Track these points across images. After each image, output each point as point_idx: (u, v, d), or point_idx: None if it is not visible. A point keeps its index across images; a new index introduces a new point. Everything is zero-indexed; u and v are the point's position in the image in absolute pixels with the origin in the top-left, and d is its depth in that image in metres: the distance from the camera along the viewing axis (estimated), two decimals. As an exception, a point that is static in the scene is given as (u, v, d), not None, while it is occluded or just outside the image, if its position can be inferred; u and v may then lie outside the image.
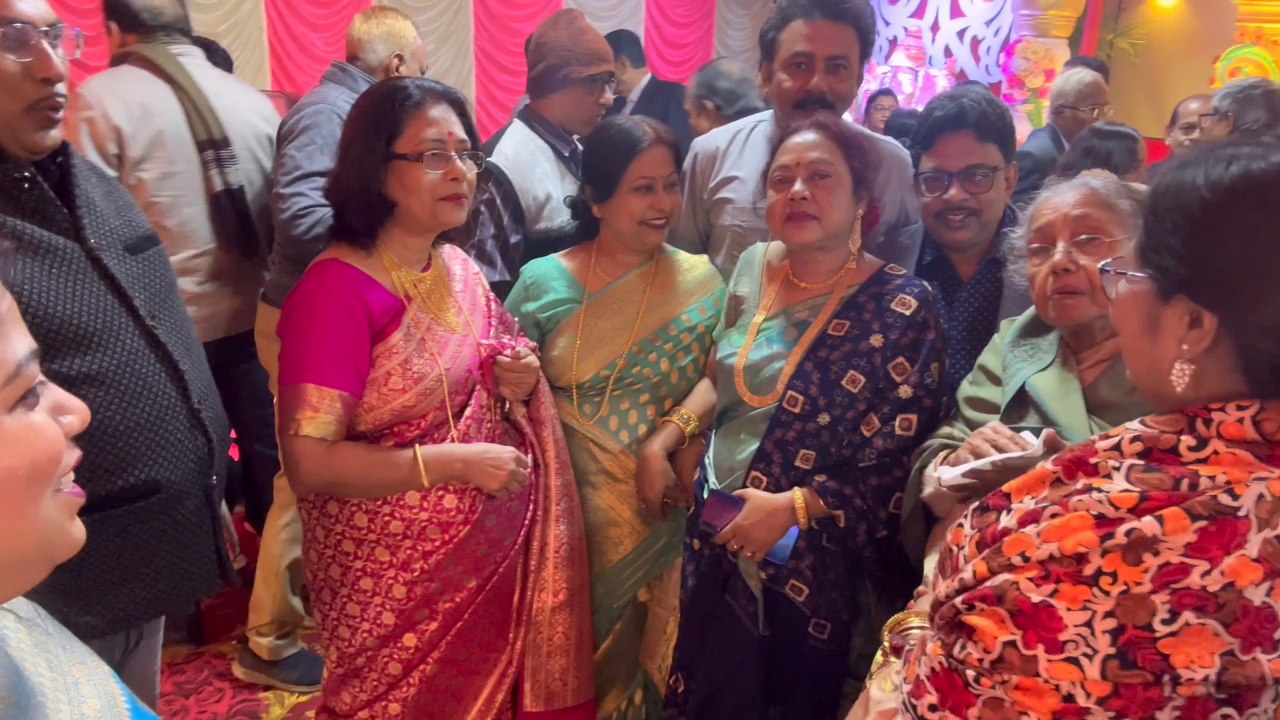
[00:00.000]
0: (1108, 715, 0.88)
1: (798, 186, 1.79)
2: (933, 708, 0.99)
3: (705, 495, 1.89)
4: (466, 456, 1.77)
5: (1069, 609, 0.90)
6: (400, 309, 1.74)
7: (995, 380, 1.73)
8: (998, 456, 1.43)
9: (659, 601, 2.18)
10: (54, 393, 0.68)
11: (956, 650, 0.98)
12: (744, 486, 1.85)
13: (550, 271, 2.17)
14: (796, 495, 1.81)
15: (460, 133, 1.74)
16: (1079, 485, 0.97)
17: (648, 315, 2.11)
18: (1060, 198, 1.60)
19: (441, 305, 1.82)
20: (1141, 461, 0.94)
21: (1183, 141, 4.08)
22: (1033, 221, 1.64)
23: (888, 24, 7.90)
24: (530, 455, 1.91)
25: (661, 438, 2.06)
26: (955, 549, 1.08)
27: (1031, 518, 0.97)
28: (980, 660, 0.95)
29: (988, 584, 0.97)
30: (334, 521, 1.77)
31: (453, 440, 1.79)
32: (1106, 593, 0.89)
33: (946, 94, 2.02)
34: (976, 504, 1.09)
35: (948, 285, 2.02)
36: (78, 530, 0.70)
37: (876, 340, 1.80)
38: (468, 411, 1.82)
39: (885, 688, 1.19)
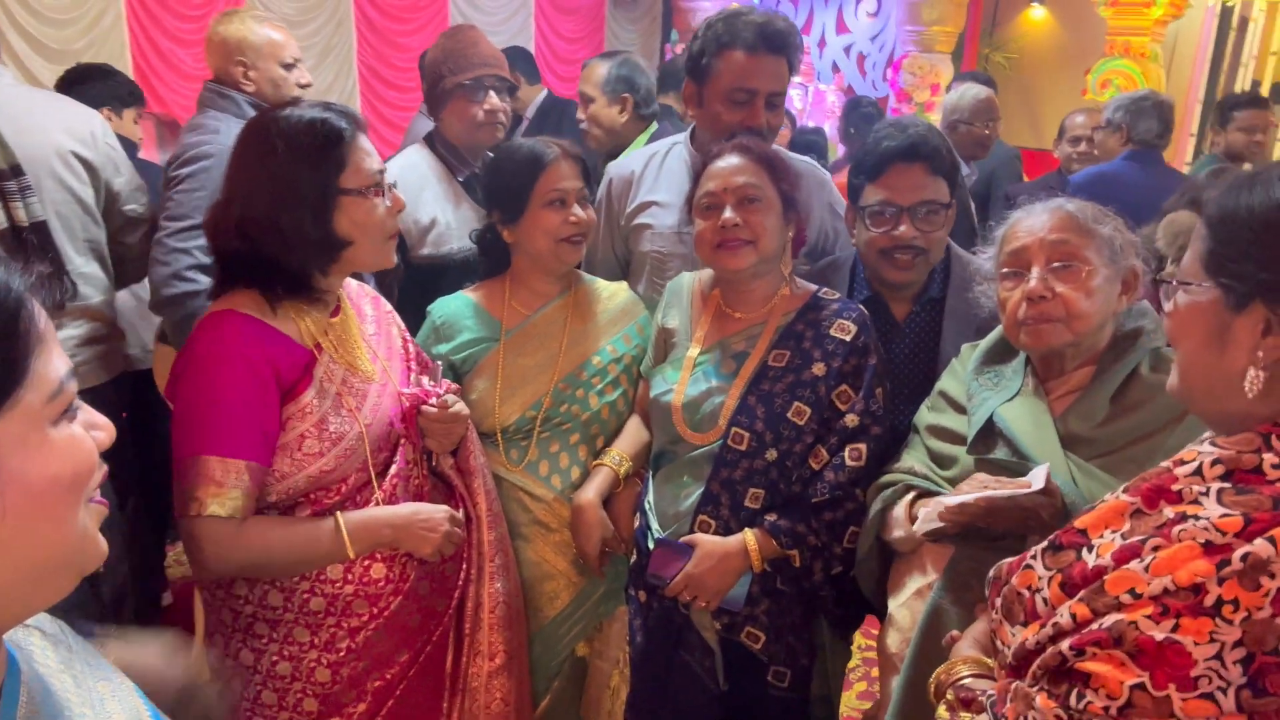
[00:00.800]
0: None
1: (728, 213, 1.73)
2: None
3: (650, 545, 1.79)
4: (395, 521, 1.61)
5: (1196, 643, 0.87)
6: (311, 361, 1.57)
7: (958, 408, 1.68)
8: (1000, 493, 1.38)
9: (600, 655, 2.06)
10: (86, 410, 0.74)
11: (1073, 701, 0.93)
12: (691, 532, 1.76)
13: (461, 309, 2.03)
14: (748, 537, 1.73)
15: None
16: (1170, 514, 0.94)
17: (571, 349, 1.99)
18: (1035, 220, 1.55)
19: (355, 352, 1.66)
20: (1228, 484, 0.93)
21: (1071, 154, 4.22)
22: (1005, 244, 1.58)
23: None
24: (461, 510, 1.77)
25: (595, 484, 1.94)
26: (1028, 592, 1.04)
27: (1131, 552, 0.94)
28: (1106, 708, 0.90)
29: (1096, 626, 0.92)
30: (243, 603, 1.58)
31: (378, 503, 1.63)
32: (1230, 621, 0.86)
33: (891, 122, 1.94)
34: (1046, 544, 1.04)
35: (882, 327, 1.94)
36: (103, 542, 0.74)
37: (819, 369, 1.74)
38: (392, 469, 1.66)
39: None
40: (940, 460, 1.66)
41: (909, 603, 1.64)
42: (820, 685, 1.86)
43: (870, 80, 7.68)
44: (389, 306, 1.85)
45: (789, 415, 1.74)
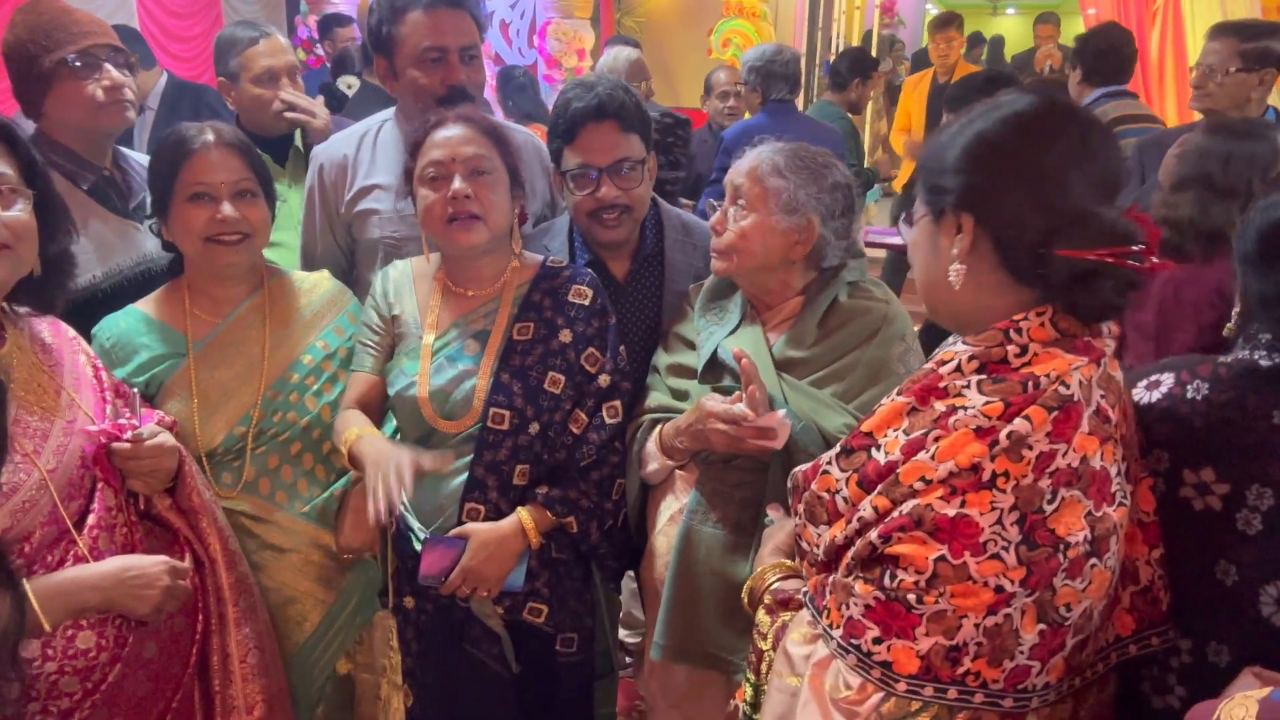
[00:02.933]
0: (1025, 593, 1.01)
1: (458, 184, 1.66)
2: (877, 640, 1.04)
3: (418, 547, 1.69)
4: (100, 581, 1.39)
5: (980, 514, 1.01)
6: None
7: (690, 345, 1.80)
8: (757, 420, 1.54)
9: (365, 667, 1.92)
10: None
11: (887, 581, 1.04)
12: (460, 522, 1.70)
13: (133, 326, 1.78)
14: (523, 515, 1.70)
15: None
16: (941, 408, 1.07)
17: (275, 352, 1.82)
18: (742, 162, 1.74)
19: (31, 384, 1.41)
20: (984, 376, 1.07)
21: (722, 109, 4.55)
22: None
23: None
24: (188, 555, 1.55)
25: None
26: (827, 494, 1.14)
27: (917, 446, 1.06)
28: (916, 582, 1.02)
29: (897, 514, 1.04)
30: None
31: (76, 560, 1.39)
32: (1004, 491, 1.01)
33: (578, 82, 1.93)
34: (839, 449, 1.15)
35: (606, 288, 1.95)
36: None
37: (565, 336, 1.75)
38: (91, 519, 1.43)
39: (795, 639, 1.16)
40: (679, 395, 1.78)
41: (665, 529, 1.75)
42: (600, 639, 1.89)
43: (516, 48, 7.72)
44: (72, 332, 1.58)
45: (545, 386, 1.72)
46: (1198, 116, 3.18)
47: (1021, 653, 1.02)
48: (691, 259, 1.95)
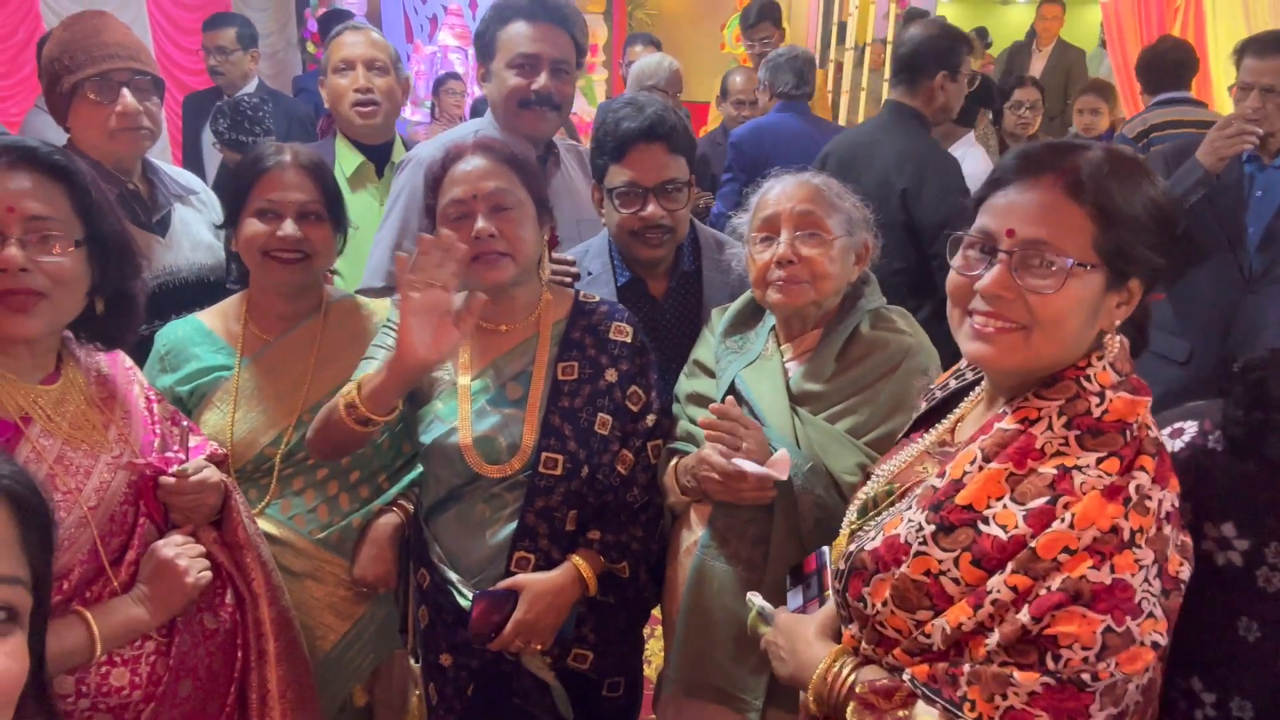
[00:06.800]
0: (1166, 640, 1.01)
1: (481, 223, 1.60)
2: None
3: (463, 601, 1.64)
4: (136, 594, 1.40)
5: (1131, 575, 0.99)
6: (15, 436, 1.30)
7: (709, 373, 1.77)
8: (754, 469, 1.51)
9: (384, 704, 1.90)
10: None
11: (1051, 664, 0.99)
12: (508, 573, 1.64)
13: (191, 335, 1.79)
14: (579, 564, 1.65)
15: (37, 207, 1.30)
16: (1050, 470, 1.04)
17: (319, 375, 1.80)
18: (784, 189, 1.66)
19: (80, 420, 1.39)
20: (1079, 431, 1.05)
21: (736, 116, 4.49)
22: (757, 211, 1.67)
23: (425, 2, 7.71)
24: (229, 591, 1.53)
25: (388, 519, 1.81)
26: (927, 576, 1.07)
27: (1047, 515, 1.02)
28: (1085, 659, 0.98)
29: (1045, 590, 1.00)
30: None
31: (111, 595, 1.38)
32: (1141, 547, 1.00)
33: (628, 101, 1.92)
34: (934, 527, 1.08)
35: (644, 306, 1.97)
36: None
37: (611, 375, 1.71)
38: (130, 554, 1.41)
39: None
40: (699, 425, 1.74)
41: (681, 561, 1.71)
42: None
43: (527, 41, 7.66)
44: (129, 363, 1.57)
45: (595, 428, 1.67)
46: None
47: (1153, 700, 1.06)
48: (727, 277, 1.93)
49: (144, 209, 2.10)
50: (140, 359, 1.72)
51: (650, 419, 1.72)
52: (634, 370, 1.72)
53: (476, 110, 4.79)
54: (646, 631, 2.71)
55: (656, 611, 1.88)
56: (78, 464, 1.36)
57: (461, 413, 1.66)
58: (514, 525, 1.64)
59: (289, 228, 1.73)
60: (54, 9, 5.82)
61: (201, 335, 1.80)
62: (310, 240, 1.75)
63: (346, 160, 2.61)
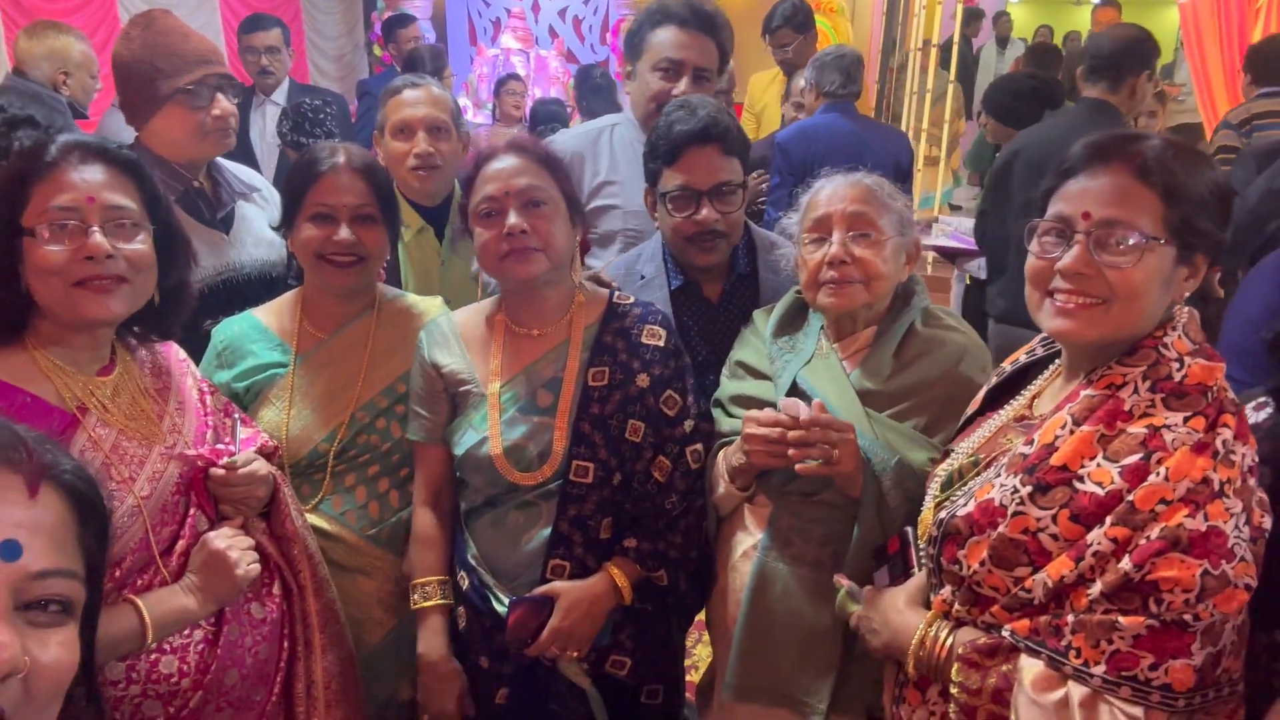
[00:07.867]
0: (1252, 584, 1.07)
1: (513, 219, 1.60)
2: (1153, 666, 1.06)
3: (498, 606, 1.64)
4: (185, 584, 1.41)
5: (1224, 522, 1.06)
6: (72, 426, 1.33)
7: (756, 375, 1.73)
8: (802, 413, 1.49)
9: None
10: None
11: (1154, 607, 1.06)
12: (543, 581, 1.63)
13: (247, 332, 1.81)
14: (615, 573, 1.64)
15: (115, 198, 1.35)
16: (1140, 430, 1.12)
17: (372, 372, 1.81)
18: (836, 190, 1.64)
19: (134, 411, 1.42)
20: (1162, 394, 1.13)
21: (795, 118, 4.43)
22: (808, 211, 1.65)
23: (489, 5, 7.79)
24: (276, 582, 1.55)
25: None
26: (1026, 534, 1.15)
27: (1141, 470, 1.10)
28: (1186, 600, 1.05)
29: (1145, 540, 1.07)
30: None
31: (160, 584, 1.40)
32: (1230, 496, 1.08)
33: (681, 103, 1.89)
34: (1030, 488, 1.16)
35: (698, 309, 1.94)
36: None
37: (643, 380, 1.67)
38: (180, 544, 1.43)
39: (1034, 687, 1.13)
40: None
41: (737, 564, 1.67)
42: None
43: (589, 44, 7.70)
44: (183, 355, 1.61)
45: (627, 435, 1.65)
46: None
47: (1244, 642, 1.10)
48: (780, 278, 1.90)
49: (209, 206, 2.14)
50: (198, 356, 1.76)
51: (688, 424, 1.69)
52: (669, 375, 1.69)
53: (535, 113, 4.80)
54: (693, 638, 2.69)
55: (700, 616, 1.85)
56: (132, 454, 1.38)
57: (491, 421, 1.65)
58: (548, 532, 1.64)
59: (344, 232, 1.74)
60: (129, 10, 6.02)
61: (258, 332, 1.82)
62: (364, 243, 1.76)
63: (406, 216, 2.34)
